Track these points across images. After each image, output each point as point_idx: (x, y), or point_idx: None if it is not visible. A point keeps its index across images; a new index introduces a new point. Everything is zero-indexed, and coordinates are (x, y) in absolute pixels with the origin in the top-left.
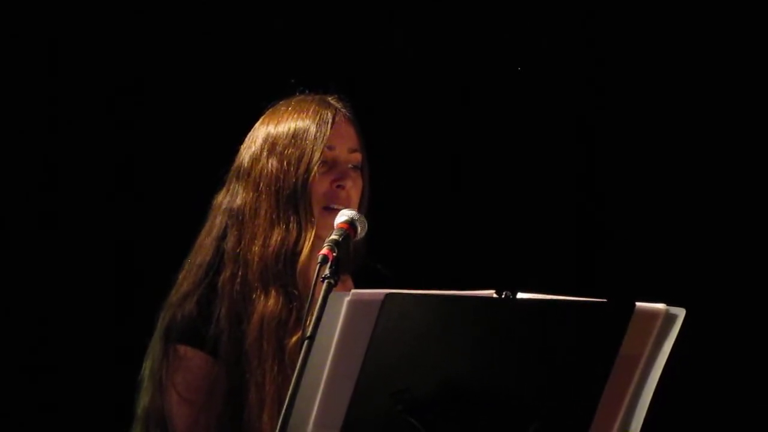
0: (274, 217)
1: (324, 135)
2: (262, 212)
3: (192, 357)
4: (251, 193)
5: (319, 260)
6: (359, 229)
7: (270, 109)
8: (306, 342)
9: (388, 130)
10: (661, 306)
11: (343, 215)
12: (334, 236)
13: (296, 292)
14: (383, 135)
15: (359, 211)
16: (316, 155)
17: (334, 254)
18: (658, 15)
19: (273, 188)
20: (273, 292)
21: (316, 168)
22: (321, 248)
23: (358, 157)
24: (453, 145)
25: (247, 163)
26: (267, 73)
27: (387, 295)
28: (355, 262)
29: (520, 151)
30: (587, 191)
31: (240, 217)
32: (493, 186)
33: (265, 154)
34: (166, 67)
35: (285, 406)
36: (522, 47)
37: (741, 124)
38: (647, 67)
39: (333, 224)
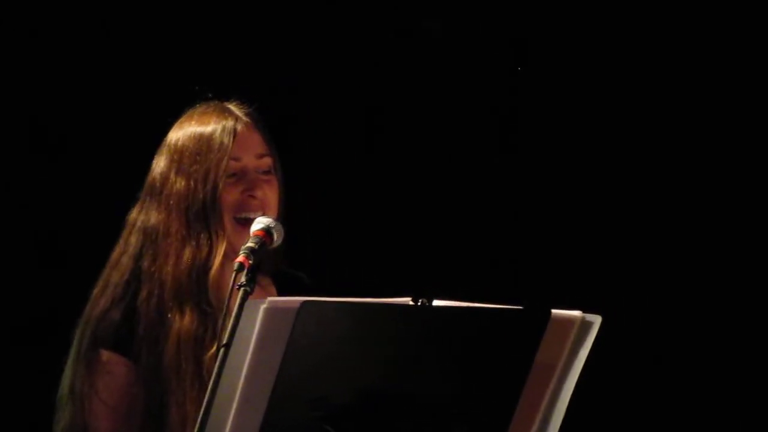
0: (185, 234)
1: (227, 147)
2: (173, 231)
3: (116, 362)
4: (163, 213)
5: (235, 268)
6: (275, 236)
7: (178, 121)
8: (222, 350)
9: (304, 137)
10: (577, 313)
11: (260, 223)
12: (250, 244)
13: (210, 309)
14: (299, 141)
15: (278, 213)
16: (221, 170)
17: (250, 262)
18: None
19: (182, 206)
20: (188, 310)
21: (221, 183)
22: (239, 255)
23: (267, 161)
24: (367, 151)
25: (158, 181)
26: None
27: (303, 302)
28: (272, 268)
29: (435, 158)
30: (503, 199)
31: (154, 237)
32: (409, 194)
33: (173, 173)
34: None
35: (201, 414)
36: (430, 47)
37: (652, 131)
38: (564, 66)
39: (250, 230)
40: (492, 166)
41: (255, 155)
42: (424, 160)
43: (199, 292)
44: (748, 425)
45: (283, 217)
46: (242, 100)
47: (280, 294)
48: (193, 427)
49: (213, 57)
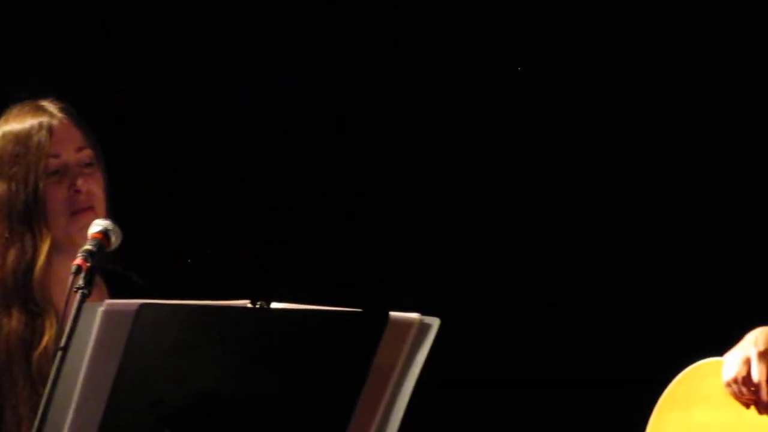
0: (8, 237)
1: (45, 145)
2: None
3: None
4: None
5: (73, 270)
6: (113, 238)
7: None
8: (60, 353)
9: (143, 136)
10: (415, 316)
11: (98, 225)
12: (88, 246)
13: (36, 309)
14: (135, 142)
15: (105, 206)
16: (41, 169)
17: (88, 264)
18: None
19: (4, 210)
20: (14, 312)
21: (43, 183)
22: (77, 257)
23: (88, 153)
24: (206, 151)
25: None
26: None
27: (141, 305)
28: (104, 269)
29: (271, 159)
30: (343, 201)
31: None
32: (249, 195)
33: None
34: None
35: (38, 418)
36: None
37: (492, 135)
38: (397, 67)
39: (86, 231)
40: (330, 169)
41: (74, 149)
42: (262, 163)
43: (25, 292)
44: (583, 426)
45: (110, 211)
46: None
47: (111, 295)
48: (29, 429)
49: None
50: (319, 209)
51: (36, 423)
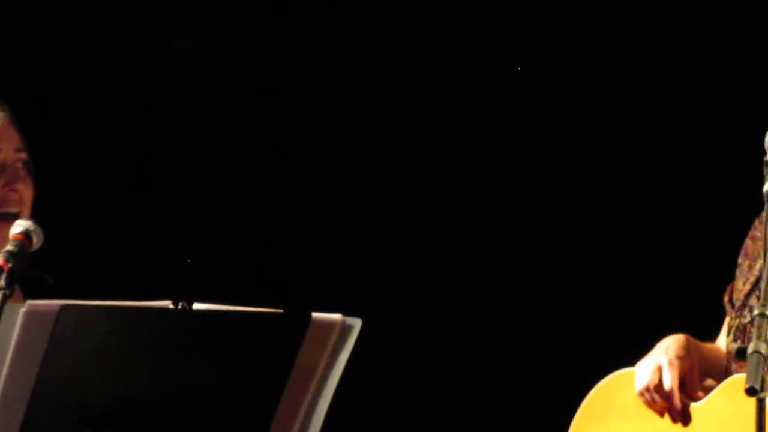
0: None
1: None
2: None
3: None
4: None
5: None
6: (35, 239)
7: None
8: None
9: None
10: (337, 316)
11: (19, 226)
12: (9, 247)
13: None
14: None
15: (31, 210)
16: None
17: (10, 265)
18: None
19: None
20: None
21: None
22: None
23: (25, 156)
24: (130, 151)
25: None
26: None
27: (63, 306)
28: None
29: (190, 157)
30: (266, 204)
31: None
32: (170, 197)
33: None
34: None
35: None
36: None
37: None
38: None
39: (9, 234)
40: (255, 173)
41: (13, 149)
42: (183, 161)
43: None
44: (511, 427)
45: (36, 215)
46: None
47: (26, 297)
48: None
49: None
50: (243, 209)
51: None
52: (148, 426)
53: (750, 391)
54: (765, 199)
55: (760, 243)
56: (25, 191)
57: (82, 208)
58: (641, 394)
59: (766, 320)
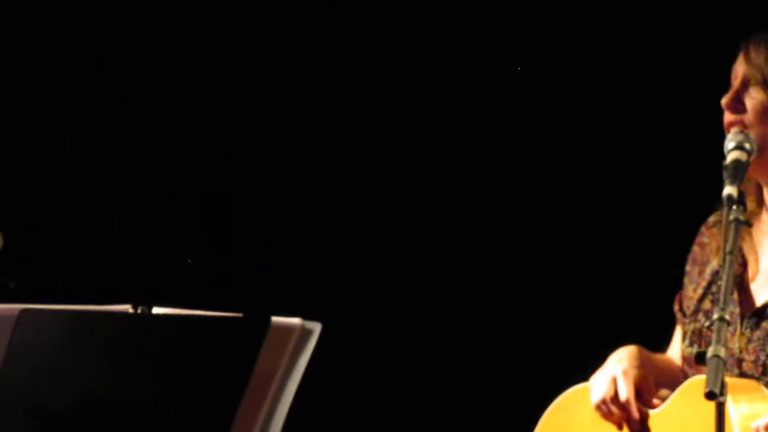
0: None
1: None
2: None
3: None
4: None
5: None
6: None
7: None
8: None
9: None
10: (296, 321)
11: None
12: None
13: None
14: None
15: None
16: None
17: None
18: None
19: None
20: None
21: None
22: None
23: None
24: (91, 152)
25: None
26: None
27: (22, 310)
28: None
29: (152, 161)
30: (221, 210)
31: None
32: (128, 200)
33: None
34: None
35: None
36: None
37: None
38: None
39: None
40: (217, 176)
41: None
42: (147, 164)
43: None
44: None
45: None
46: None
47: None
48: None
49: None
50: (201, 213)
51: None
52: (106, 429)
53: (709, 395)
54: (725, 203)
55: (708, 248)
56: None
57: (44, 211)
58: (598, 407)
59: (725, 324)
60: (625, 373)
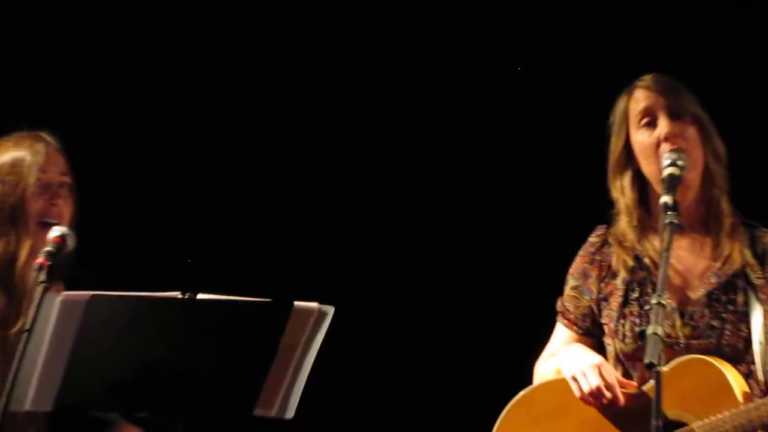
0: None
1: (38, 162)
2: None
3: None
4: None
5: (36, 268)
6: (69, 242)
7: None
8: (25, 334)
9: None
10: (314, 304)
11: (57, 231)
12: (49, 248)
13: (16, 292)
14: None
15: (71, 221)
16: (31, 179)
17: (49, 263)
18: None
19: None
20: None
21: (31, 189)
22: (38, 257)
23: (67, 179)
24: (139, 159)
25: None
26: None
27: (92, 296)
28: (65, 269)
29: (204, 155)
30: (265, 209)
31: None
32: (178, 206)
33: None
34: None
35: (7, 389)
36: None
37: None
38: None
39: (47, 237)
40: (250, 178)
41: (59, 172)
42: (196, 157)
43: (7, 279)
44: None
45: (75, 226)
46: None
47: (68, 288)
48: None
49: None
50: (241, 215)
51: (6, 391)
52: (162, 395)
53: (648, 366)
54: (662, 209)
55: (608, 265)
56: (65, 206)
57: (110, 215)
58: (591, 394)
59: (662, 308)
60: (603, 362)
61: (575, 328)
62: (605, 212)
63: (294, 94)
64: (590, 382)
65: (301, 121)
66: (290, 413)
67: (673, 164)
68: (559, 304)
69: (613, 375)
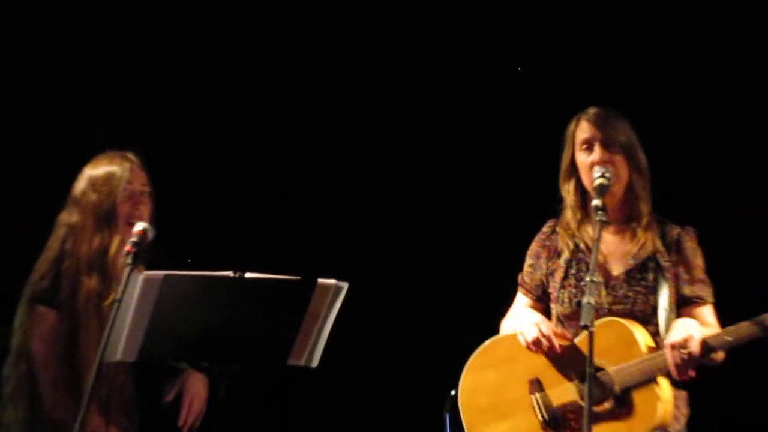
0: (95, 229)
1: (125, 176)
2: (89, 226)
3: (46, 313)
4: (81, 215)
5: (125, 254)
6: (150, 234)
7: (92, 161)
8: (117, 303)
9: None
10: (332, 281)
11: (140, 225)
12: (134, 239)
13: (108, 274)
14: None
15: (150, 219)
16: (120, 189)
17: (134, 250)
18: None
19: (93, 212)
20: (94, 275)
21: (120, 197)
22: (126, 246)
23: (147, 189)
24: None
25: (79, 195)
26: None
27: (165, 275)
28: (146, 254)
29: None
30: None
31: (76, 229)
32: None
33: (89, 190)
34: None
35: (104, 343)
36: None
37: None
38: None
39: (133, 231)
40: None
41: (140, 183)
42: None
43: (102, 264)
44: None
45: (153, 223)
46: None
47: (148, 268)
48: (95, 345)
49: None
50: (277, 207)
51: (101, 345)
52: (222, 350)
53: (584, 327)
54: (593, 210)
55: (556, 247)
56: (145, 209)
57: (177, 213)
58: (534, 343)
59: (594, 284)
60: (543, 320)
61: (530, 295)
62: (555, 207)
63: (323, 94)
64: (529, 335)
65: (301, 120)
66: (315, 363)
67: (602, 176)
68: (519, 277)
69: (550, 330)
